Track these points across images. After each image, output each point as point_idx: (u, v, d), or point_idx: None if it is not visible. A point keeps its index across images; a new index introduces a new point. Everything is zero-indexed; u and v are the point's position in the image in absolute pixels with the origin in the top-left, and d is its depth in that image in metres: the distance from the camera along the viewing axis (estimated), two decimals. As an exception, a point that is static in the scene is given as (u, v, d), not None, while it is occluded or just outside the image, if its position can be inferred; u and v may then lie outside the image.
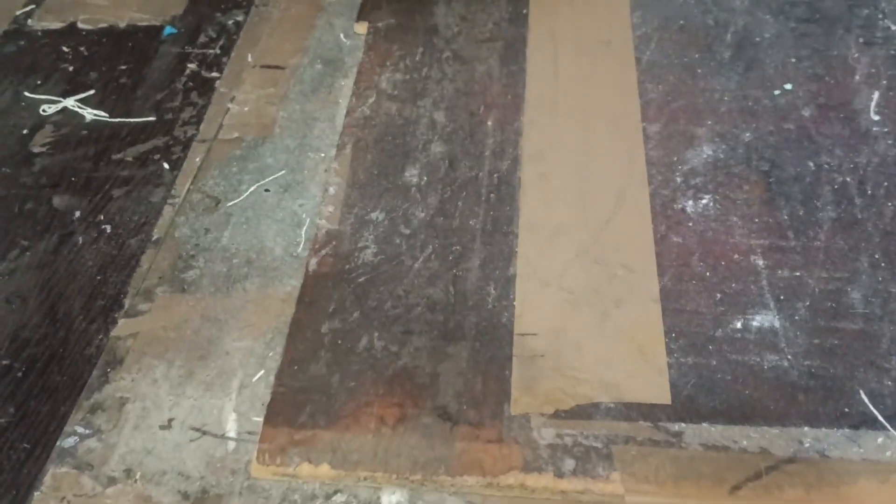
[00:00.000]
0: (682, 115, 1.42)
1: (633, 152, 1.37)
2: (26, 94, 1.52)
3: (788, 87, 1.46)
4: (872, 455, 1.02)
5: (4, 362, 1.13)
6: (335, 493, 1.03)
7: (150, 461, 1.04)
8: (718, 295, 1.19)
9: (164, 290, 1.21)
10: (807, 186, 1.31)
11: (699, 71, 1.49)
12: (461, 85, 1.51)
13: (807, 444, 1.03)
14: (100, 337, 1.16)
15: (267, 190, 1.34)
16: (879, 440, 1.03)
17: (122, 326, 1.17)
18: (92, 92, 1.52)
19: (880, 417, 1.04)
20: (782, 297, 1.18)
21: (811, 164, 1.34)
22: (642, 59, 1.52)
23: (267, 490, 1.03)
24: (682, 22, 1.60)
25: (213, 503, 1.02)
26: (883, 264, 1.20)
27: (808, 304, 1.17)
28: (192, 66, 1.58)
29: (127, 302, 1.19)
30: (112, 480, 1.04)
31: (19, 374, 1.12)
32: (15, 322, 1.18)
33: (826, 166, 1.34)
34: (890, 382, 1.08)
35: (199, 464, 1.04)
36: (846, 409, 1.05)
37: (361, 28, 1.64)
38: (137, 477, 1.04)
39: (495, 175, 1.36)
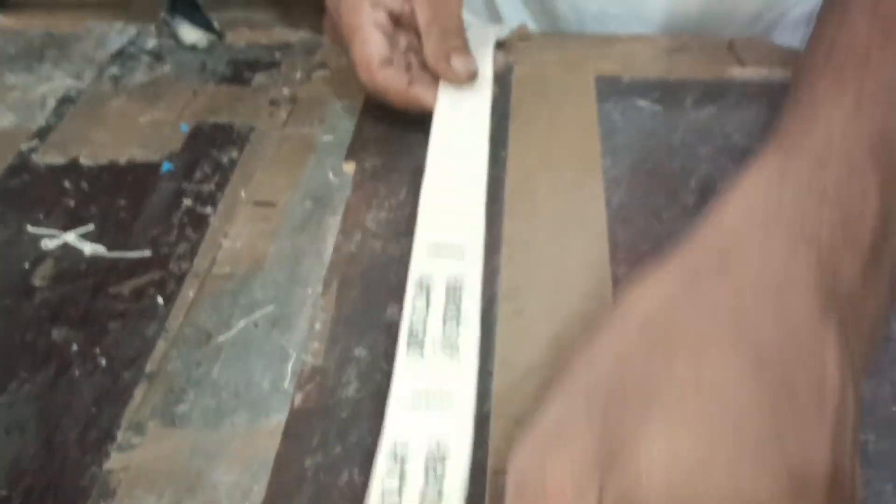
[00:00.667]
0: (649, 259, 1.50)
1: (602, 294, 1.46)
2: (29, 228, 1.60)
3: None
4: None
5: (3, 493, 1.18)
6: None
7: None
8: (681, 434, 1.26)
9: (155, 424, 1.27)
10: (764, 330, 1.39)
11: (665, 215, 1.59)
12: (442, 224, 1.59)
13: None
14: (93, 469, 1.21)
15: (256, 325, 1.41)
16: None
17: (115, 459, 1.22)
18: (91, 226, 1.60)
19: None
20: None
21: (768, 308, 1.43)
22: (612, 201, 1.62)
23: None
24: (650, 166, 1.71)
25: None
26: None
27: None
28: (187, 201, 1.66)
29: (119, 435, 1.25)
30: None
31: (16, 506, 1.18)
32: (13, 452, 1.23)
33: (782, 310, 1.42)
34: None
35: None
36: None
37: (349, 167, 1.74)
38: None
39: (473, 312, 1.44)
